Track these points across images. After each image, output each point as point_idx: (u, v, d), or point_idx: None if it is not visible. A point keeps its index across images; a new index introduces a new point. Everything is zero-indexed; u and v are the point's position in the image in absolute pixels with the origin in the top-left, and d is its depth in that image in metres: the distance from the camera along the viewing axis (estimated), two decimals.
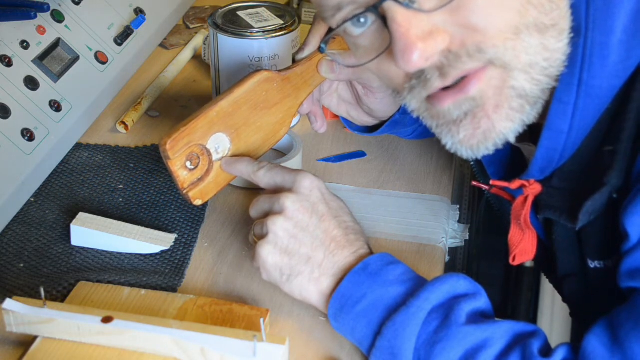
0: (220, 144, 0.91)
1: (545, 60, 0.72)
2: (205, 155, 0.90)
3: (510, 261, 0.91)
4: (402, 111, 1.04)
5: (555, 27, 0.72)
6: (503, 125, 0.74)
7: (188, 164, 0.89)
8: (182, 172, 0.89)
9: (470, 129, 0.74)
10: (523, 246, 0.90)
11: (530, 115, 0.75)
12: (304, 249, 0.82)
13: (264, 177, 0.88)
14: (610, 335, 0.72)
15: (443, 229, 1.01)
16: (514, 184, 0.85)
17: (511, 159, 0.92)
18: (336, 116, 1.12)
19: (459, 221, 1.05)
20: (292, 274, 0.83)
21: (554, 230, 0.87)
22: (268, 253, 0.83)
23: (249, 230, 0.93)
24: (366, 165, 1.12)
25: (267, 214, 0.86)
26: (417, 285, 0.79)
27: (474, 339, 0.75)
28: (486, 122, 0.73)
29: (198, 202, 0.91)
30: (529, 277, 2.02)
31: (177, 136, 0.87)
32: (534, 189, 0.84)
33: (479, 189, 1.31)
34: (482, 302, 0.79)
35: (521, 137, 0.80)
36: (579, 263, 0.86)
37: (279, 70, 0.95)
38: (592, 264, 0.83)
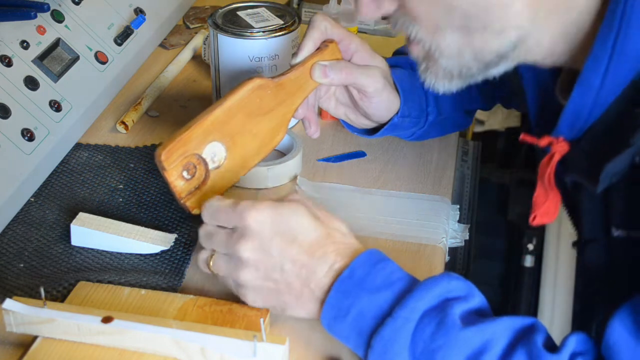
0: (216, 153, 0.91)
1: (470, 52, 0.81)
2: (201, 164, 0.90)
3: (530, 221, 0.91)
4: (401, 114, 1.04)
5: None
6: (435, 82, 0.85)
7: (185, 173, 0.89)
8: (179, 182, 0.89)
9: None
10: (546, 207, 0.89)
11: (464, 82, 0.85)
12: (281, 286, 0.81)
13: (208, 220, 0.85)
14: (635, 320, 0.71)
15: (443, 229, 1.01)
16: (543, 141, 0.85)
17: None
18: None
19: (459, 221, 1.05)
20: (279, 307, 0.83)
21: (581, 194, 0.86)
22: (253, 298, 0.83)
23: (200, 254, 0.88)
24: (366, 165, 1.12)
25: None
26: (405, 290, 0.78)
27: (474, 343, 0.74)
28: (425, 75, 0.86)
29: (196, 212, 0.90)
30: (529, 277, 2.03)
31: (172, 147, 0.86)
32: (561, 147, 0.84)
33: (479, 188, 1.31)
34: (476, 301, 0.78)
35: None
36: (602, 230, 0.85)
37: (273, 77, 0.95)
38: (616, 232, 0.82)
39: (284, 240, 0.80)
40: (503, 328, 0.75)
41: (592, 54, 0.77)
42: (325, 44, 0.98)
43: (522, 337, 0.74)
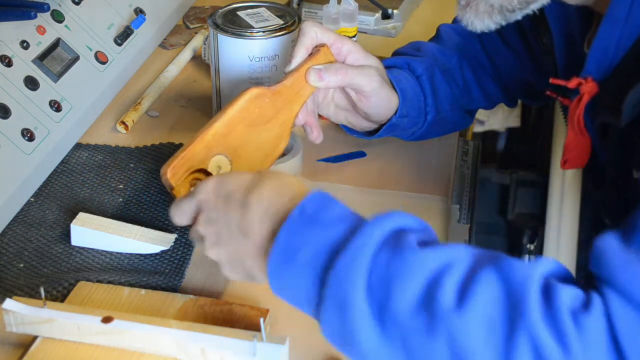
0: (221, 166, 0.91)
1: None
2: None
3: (561, 165, 0.91)
4: (399, 114, 1.04)
5: None
6: (475, 19, 0.88)
7: (192, 189, 0.89)
8: None
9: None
10: (577, 152, 0.90)
11: (505, 18, 0.87)
12: (237, 250, 0.76)
13: (180, 220, 0.82)
14: (624, 233, 0.66)
15: (443, 229, 1.01)
16: (572, 82, 0.86)
17: None
18: None
19: (459, 221, 1.05)
20: (248, 275, 0.77)
21: (607, 138, 0.87)
22: (227, 272, 0.78)
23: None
24: (366, 165, 1.12)
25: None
26: (359, 222, 0.71)
27: (433, 264, 0.66)
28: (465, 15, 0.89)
29: None
30: None
31: (177, 163, 0.86)
32: (589, 87, 0.85)
33: (479, 188, 1.31)
34: (432, 237, 0.72)
35: None
36: (625, 175, 0.84)
37: (269, 86, 0.95)
38: (637, 174, 0.81)
39: (223, 203, 0.76)
40: (464, 250, 0.68)
41: None
42: (317, 48, 0.98)
43: (487, 258, 0.67)
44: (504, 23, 0.89)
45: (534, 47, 1.04)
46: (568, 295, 0.64)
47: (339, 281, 0.67)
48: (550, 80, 0.90)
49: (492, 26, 0.89)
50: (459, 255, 0.67)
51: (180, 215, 0.82)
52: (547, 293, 0.64)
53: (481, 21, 0.88)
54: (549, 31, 0.95)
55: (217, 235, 0.78)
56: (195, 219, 0.81)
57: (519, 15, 0.88)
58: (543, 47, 0.99)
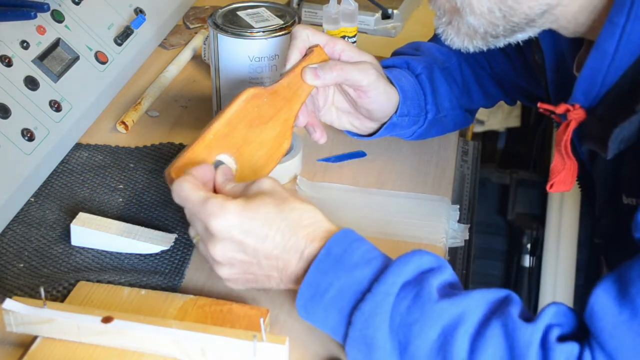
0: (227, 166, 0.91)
1: (500, 11, 0.83)
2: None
3: (548, 188, 0.92)
4: (400, 113, 1.04)
5: None
6: (455, 38, 0.88)
7: None
8: None
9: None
10: (563, 176, 0.90)
11: (486, 44, 0.88)
12: (260, 278, 0.83)
13: (177, 201, 0.83)
14: (620, 289, 0.71)
15: (443, 229, 1.01)
16: (560, 108, 0.87)
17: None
18: None
19: (459, 221, 1.05)
20: (261, 288, 0.84)
21: (597, 162, 0.87)
22: (233, 286, 0.84)
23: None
24: (366, 165, 1.12)
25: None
26: (382, 265, 0.78)
27: (449, 315, 0.74)
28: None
29: None
30: (529, 277, 2.03)
31: (179, 164, 0.87)
32: (577, 114, 0.85)
33: (479, 188, 1.31)
34: (448, 274, 0.79)
35: None
36: (615, 199, 0.86)
37: (265, 87, 0.96)
38: (626, 200, 0.83)
39: (255, 239, 0.80)
40: (478, 300, 0.75)
41: (608, 20, 0.79)
42: (310, 49, 0.99)
43: (497, 309, 0.75)
44: (484, 48, 0.89)
45: (530, 61, 1.05)
46: (563, 357, 0.72)
47: (365, 322, 0.76)
48: (539, 105, 0.90)
49: (471, 49, 0.89)
50: (473, 306, 0.75)
51: (181, 202, 0.82)
52: (546, 356, 0.71)
53: (461, 41, 0.89)
54: (540, 50, 0.95)
55: (239, 264, 0.82)
56: (199, 225, 0.82)
57: (501, 43, 0.88)
58: (535, 64, 0.99)
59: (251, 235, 0.80)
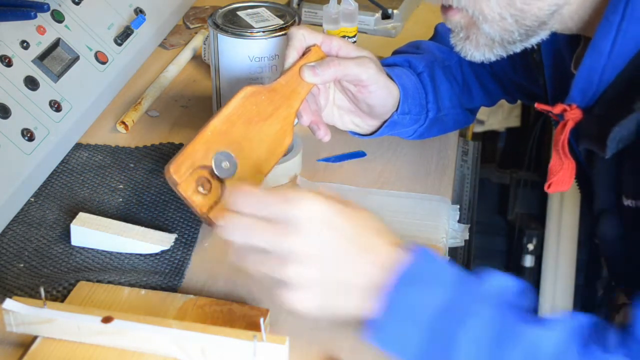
0: (224, 161, 0.91)
1: (511, 16, 0.83)
2: (215, 179, 0.90)
3: (545, 188, 0.91)
4: (401, 112, 1.04)
5: None
6: (475, 51, 0.88)
7: (200, 188, 0.89)
8: (196, 197, 0.88)
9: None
10: (561, 176, 0.90)
11: (505, 50, 0.88)
12: (332, 283, 0.75)
13: (244, 207, 0.75)
14: None
15: (443, 229, 1.01)
16: (557, 108, 0.87)
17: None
18: None
19: (459, 221, 1.05)
20: (328, 306, 0.76)
21: (595, 162, 0.87)
22: (300, 297, 0.75)
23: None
24: (366, 165, 1.12)
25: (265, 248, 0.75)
26: (464, 290, 0.74)
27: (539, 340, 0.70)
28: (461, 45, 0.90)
29: (221, 222, 0.86)
30: (529, 277, 2.03)
31: (178, 160, 0.87)
32: (574, 114, 0.86)
33: (479, 188, 1.31)
34: (527, 298, 0.75)
35: None
36: (614, 200, 0.86)
37: (264, 85, 0.96)
38: (626, 202, 0.83)
39: (340, 236, 0.74)
40: (567, 328, 0.71)
41: (604, 18, 0.79)
42: (308, 49, 0.99)
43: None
44: (504, 55, 0.89)
45: (529, 59, 1.05)
46: None
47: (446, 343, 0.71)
48: (536, 105, 0.90)
49: (493, 58, 0.89)
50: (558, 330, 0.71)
51: (252, 205, 0.75)
52: None
53: (482, 54, 0.88)
54: (538, 48, 0.95)
55: (318, 262, 0.74)
56: (265, 226, 0.74)
57: (518, 48, 0.88)
58: (534, 62, 0.99)
59: (336, 230, 0.74)
